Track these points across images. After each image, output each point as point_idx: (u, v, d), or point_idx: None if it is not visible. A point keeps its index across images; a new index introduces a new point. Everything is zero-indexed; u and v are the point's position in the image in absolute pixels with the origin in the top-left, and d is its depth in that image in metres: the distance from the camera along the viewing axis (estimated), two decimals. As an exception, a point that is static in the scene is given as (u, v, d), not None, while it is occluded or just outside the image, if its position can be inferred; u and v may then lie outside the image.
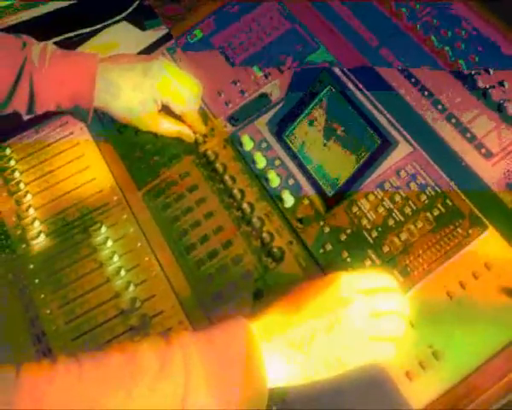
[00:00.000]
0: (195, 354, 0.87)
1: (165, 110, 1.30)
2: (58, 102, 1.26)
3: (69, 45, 1.62)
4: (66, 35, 1.69)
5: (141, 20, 1.70)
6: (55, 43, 1.32)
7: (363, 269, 1.06)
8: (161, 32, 1.63)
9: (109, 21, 1.71)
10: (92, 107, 1.26)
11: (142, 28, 1.68)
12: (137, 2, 1.72)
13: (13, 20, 1.73)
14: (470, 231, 1.04)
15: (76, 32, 1.70)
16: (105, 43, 1.65)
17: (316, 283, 0.99)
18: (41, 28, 1.69)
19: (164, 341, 0.89)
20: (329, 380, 0.95)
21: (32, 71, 1.22)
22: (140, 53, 1.54)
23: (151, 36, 1.63)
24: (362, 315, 0.94)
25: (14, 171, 1.38)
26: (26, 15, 1.74)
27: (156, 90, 1.27)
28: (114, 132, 1.38)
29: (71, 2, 1.74)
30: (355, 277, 0.99)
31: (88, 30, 1.70)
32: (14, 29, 1.69)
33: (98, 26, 1.70)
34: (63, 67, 1.25)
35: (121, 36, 1.67)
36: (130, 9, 1.72)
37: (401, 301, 1.00)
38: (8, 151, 1.42)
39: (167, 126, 1.31)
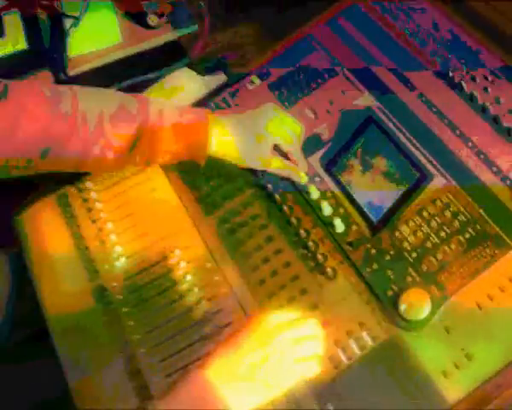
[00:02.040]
0: None
1: (277, 150, 1.37)
2: (174, 158, 1.36)
3: (136, 90, 1.65)
4: (132, 80, 1.76)
5: (201, 66, 1.76)
6: (121, 88, 1.45)
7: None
8: (221, 77, 1.69)
9: (172, 68, 1.77)
10: (205, 159, 1.34)
11: (202, 74, 1.73)
12: (196, 52, 1.79)
13: (83, 68, 1.80)
14: (496, 251, 1.15)
15: (143, 77, 1.77)
16: (171, 86, 1.71)
17: (249, 324, 1.11)
18: (110, 74, 1.79)
19: None
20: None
21: (149, 129, 1.29)
22: (202, 97, 1.62)
23: (211, 81, 1.69)
24: (287, 342, 1.08)
25: (95, 202, 1.45)
26: (97, 63, 1.81)
27: (268, 130, 1.33)
28: (183, 169, 1.45)
29: (139, 51, 1.84)
30: (277, 315, 1.12)
31: (152, 75, 1.76)
32: (86, 76, 1.78)
33: (162, 73, 1.76)
34: (180, 125, 1.31)
35: (184, 81, 1.72)
36: (189, 58, 1.79)
37: (314, 328, 1.13)
38: (89, 184, 1.49)
39: (279, 166, 1.36)
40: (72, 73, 1.79)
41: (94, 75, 1.78)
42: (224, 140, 1.33)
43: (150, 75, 1.77)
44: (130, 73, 1.77)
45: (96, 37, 1.84)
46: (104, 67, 1.82)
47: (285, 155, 1.37)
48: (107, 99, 1.30)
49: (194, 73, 1.75)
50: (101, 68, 1.81)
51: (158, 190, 1.46)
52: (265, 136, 1.33)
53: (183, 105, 1.42)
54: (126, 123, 1.28)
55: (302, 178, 1.35)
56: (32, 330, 1.52)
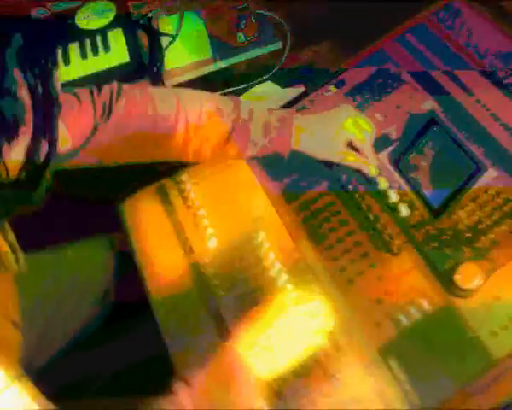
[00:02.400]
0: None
1: (350, 145, 1.48)
2: (263, 153, 1.49)
3: None
4: (226, 90, 1.91)
5: (282, 79, 1.93)
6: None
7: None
8: (300, 89, 1.81)
9: (258, 80, 1.93)
10: (288, 153, 1.47)
11: (282, 86, 1.89)
12: (280, 65, 1.96)
13: (177, 80, 1.98)
14: None
15: (232, 89, 1.92)
16: (257, 96, 1.87)
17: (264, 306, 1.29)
18: (203, 85, 1.92)
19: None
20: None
21: (243, 125, 1.44)
22: (282, 106, 1.74)
23: (291, 92, 1.83)
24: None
25: (190, 192, 1.58)
26: (190, 75, 2.00)
27: (343, 127, 1.45)
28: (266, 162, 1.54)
29: (228, 65, 2.01)
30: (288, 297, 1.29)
31: (240, 87, 1.92)
32: (181, 87, 1.93)
33: (249, 84, 1.92)
34: (268, 121, 1.46)
35: (268, 92, 1.88)
36: (273, 72, 1.95)
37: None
38: (185, 176, 1.61)
39: (353, 160, 1.47)
40: (167, 83, 1.96)
41: (187, 87, 1.90)
42: (306, 136, 1.46)
43: (239, 87, 1.93)
44: (220, 85, 1.91)
45: (189, 52, 2.01)
46: (197, 80, 1.97)
47: (357, 151, 1.48)
48: (206, 99, 1.46)
49: (277, 86, 1.90)
50: (193, 81, 1.97)
51: (243, 182, 1.58)
52: (341, 132, 1.45)
53: (271, 108, 1.55)
54: (223, 120, 1.43)
55: (371, 170, 1.45)
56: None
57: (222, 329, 1.34)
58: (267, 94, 1.86)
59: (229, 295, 1.37)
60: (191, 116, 1.42)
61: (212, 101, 1.46)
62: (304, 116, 1.50)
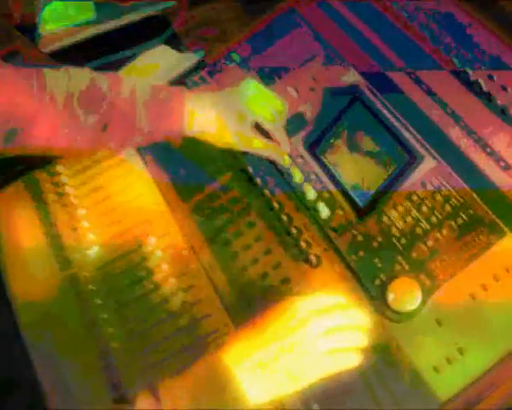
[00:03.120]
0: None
1: (258, 129, 1.32)
2: (150, 140, 1.32)
3: (111, 67, 1.62)
4: (108, 58, 1.74)
5: (178, 42, 1.74)
6: (96, 66, 1.37)
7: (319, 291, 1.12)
8: (199, 54, 1.65)
9: (148, 44, 1.74)
10: (180, 138, 1.31)
11: (180, 50, 1.71)
12: (173, 27, 1.77)
13: (55, 46, 1.77)
14: (490, 237, 1.10)
15: (118, 55, 1.74)
16: (146, 64, 1.68)
17: (276, 308, 1.04)
18: (83, 52, 1.76)
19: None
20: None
21: (121, 111, 1.25)
22: (181, 76, 1.58)
23: (189, 58, 1.65)
24: (317, 333, 1.00)
25: (65, 186, 1.41)
26: (67, 41, 1.78)
27: (248, 108, 1.29)
28: (161, 153, 1.42)
29: (110, 28, 1.80)
30: (309, 299, 1.05)
31: (128, 53, 1.74)
32: (57, 54, 1.76)
33: (137, 49, 1.73)
34: (153, 103, 1.27)
35: (160, 58, 1.69)
36: (166, 33, 1.77)
37: (353, 315, 1.06)
38: (60, 168, 1.44)
39: (260, 145, 1.32)
40: (43, 51, 1.76)
41: (66, 54, 1.75)
42: (201, 119, 1.29)
43: (126, 53, 1.75)
44: (104, 51, 1.76)
45: (68, 13, 1.82)
46: (77, 46, 1.79)
47: (267, 135, 1.32)
48: (77, 78, 1.25)
49: (171, 50, 1.72)
50: (73, 47, 1.79)
51: (133, 174, 1.43)
52: (246, 114, 1.29)
53: (157, 83, 1.36)
54: (96, 102, 1.23)
55: (285, 159, 1.32)
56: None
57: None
58: (159, 61, 1.67)
59: (117, 322, 1.23)
60: (58, 98, 1.20)
61: (84, 79, 1.24)
62: (199, 95, 1.31)
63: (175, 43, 1.75)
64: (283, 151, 1.32)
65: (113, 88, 1.24)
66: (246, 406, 0.96)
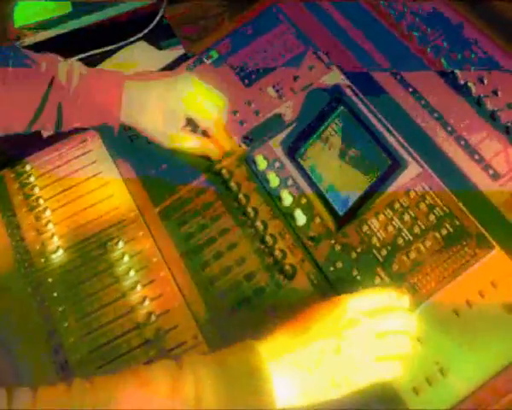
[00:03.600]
0: (206, 378, 0.88)
1: (192, 126, 1.32)
2: (85, 120, 1.29)
3: (88, 64, 1.59)
4: (86, 54, 1.72)
5: (158, 39, 1.73)
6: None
7: (370, 289, 1.06)
8: (178, 51, 1.64)
9: (127, 41, 1.73)
10: (118, 123, 1.28)
11: (160, 48, 1.71)
12: (155, 22, 1.73)
13: (31, 40, 1.76)
14: (477, 251, 1.05)
15: (95, 51, 1.72)
16: (123, 62, 1.68)
17: (323, 305, 0.99)
18: (60, 47, 1.63)
19: (176, 364, 0.90)
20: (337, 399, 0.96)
21: (59, 90, 1.24)
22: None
23: (168, 55, 1.65)
24: (368, 336, 0.96)
25: (33, 187, 1.39)
26: (45, 35, 1.77)
27: (182, 104, 1.28)
28: (126, 141, 1.40)
29: (89, 23, 1.78)
30: (361, 298, 1.00)
31: (106, 49, 1.73)
32: (34, 48, 1.66)
33: (116, 46, 1.73)
34: (90, 85, 1.27)
35: (139, 55, 1.69)
36: (147, 29, 1.74)
37: (407, 319, 1.01)
38: (28, 167, 1.43)
39: (193, 143, 1.31)
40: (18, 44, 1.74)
41: (41, 48, 1.61)
42: (135, 107, 1.28)
43: (105, 49, 1.74)
44: (83, 47, 1.74)
45: (44, 5, 1.80)
46: (52, 40, 1.78)
47: (206, 134, 1.33)
48: (12, 57, 1.27)
49: (151, 47, 1.72)
50: (48, 41, 1.77)
51: (103, 176, 1.40)
52: (177, 109, 1.29)
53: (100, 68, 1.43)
54: (33, 81, 1.25)
55: (214, 152, 1.32)
56: None
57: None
58: (138, 58, 1.69)
59: (79, 334, 1.18)
60: None
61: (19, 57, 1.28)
62: (137, 81, 1.30)
63: (155, 39, 1.74)
64: (225, 148, 1.32)
65: (50, 69, 1.26)
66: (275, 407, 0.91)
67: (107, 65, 1.68)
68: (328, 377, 0.94)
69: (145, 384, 0.87)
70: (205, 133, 1.32)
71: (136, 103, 1.27)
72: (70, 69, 1.26)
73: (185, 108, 1.28)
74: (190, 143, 1.31)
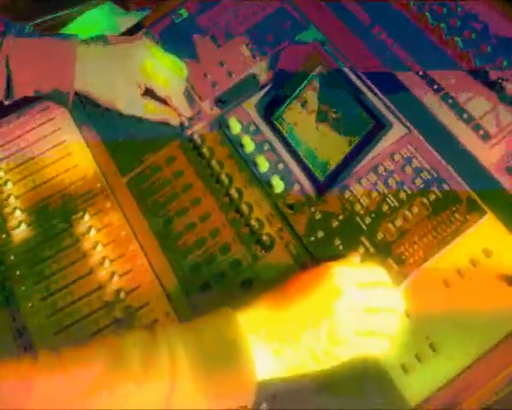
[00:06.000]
0: (182, 347, 0.86)
1: (150, 93, 1.30)
2: (36, 86, 1.26)
3: (53, 27, 1.64)
4: (48, 16, 1.68)
5: (126, 0, 1.70)
6: (37, 25, 1.36)
7: (357, 262, 1.03)
8: (145, 12, 1.59)
9: (93, 2, 1.70)
10: (72, 90, 1.26)
11: (127, 8, 1.68)
12: None
13: None
14: (468, 217, 1.02)
15: (59, 14, 1.69)
16: (88, 24, 1.65)
17: (307, 273, 0.96)
18: (21, 10, 1.72)
19: (149, 335, 0.87)
20: (320, 374, 0.93)
21: (8, 54, 1.22)
22: (124, 34, 1.52)
23: (135, 16, 1.60)
24: (355, 308, 0.92)
25: None
26: None
27: (138, 72, 1.27)
28: (97, 116, 1.36)
29: None
30: (350, 269, 0.97)
31: (69, 12, 1.70)
32: None
33: (81, 7, 1.69)
34: (41, 49, 1.25)
35: (105, 17, 1.67)
36: None
37: (396, 297, 0.98)
38: None
39: (151, 110, 1.30)
40: None
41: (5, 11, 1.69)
42: (89, 74, 1.27)
43: (70, 10, 1.72)
44: (47, 8, 1.70)
45: None
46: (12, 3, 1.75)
47: (162, 100, 1.32)
48: None
49: (118, 8, 1.71)
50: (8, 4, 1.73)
51: (68, 145, 1.36)
52: (134, 77, 1.28)
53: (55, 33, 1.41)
54: None
55: (173, 119, 1.31)
56: None
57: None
58: (99, 22, 1.68)
59: (43, 315, 1.14)
60: None
61: None
62: (92, 47, 1.29)
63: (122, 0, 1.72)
64: (183, 116, 1.31)
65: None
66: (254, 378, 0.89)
67: (72, 27, 1.66)
68: (308, 351, 0.91)
69: (116, 358, 0.84)
70: (164, 101, 1.31)
71: (90, 70, 1.26)
72: (20, 34, 1.25)
73: (143, 76, 1.27)
74: (148, 110, 1.31)
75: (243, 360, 0.88)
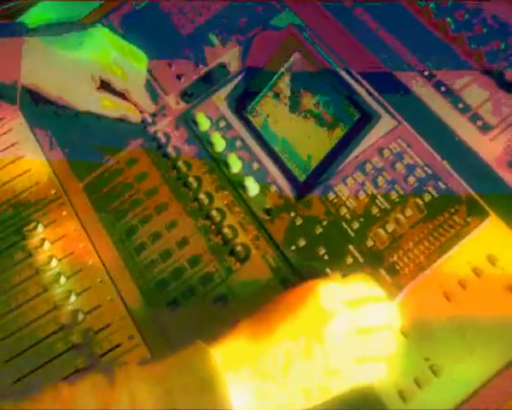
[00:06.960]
0: (144, 398, 0.77)
1: (107, 87, 1.25)
2: None
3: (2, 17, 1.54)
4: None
5: None
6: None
7: (344, 274, 0.96)
8: None
9: None
10: (19, 86, 1.20)
11: None
12: None
13: None
14: (468, 219, 0.97)
15: (9, 5, 1.58)
16: (43, 13, 1.55)
17: (290, 293, 0.89)
18: None
19: (106, 381, 0.78)
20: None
21: None
22: (81, 20, 1.46)
23: (93, 4, 1.51)
24: (347, 332, 0.85)
25: None
26: None
27: (93, 63, 1.22)
28: (51, 115, 1.30)
29: None
30: (337, 285, 0.90)
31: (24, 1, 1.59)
32: None
33: None
34: None
35: (60, 5, 1.55)
36: None
37: (390, 313, 0.93)
38: None
39: (109, 106, 1.25)
40: None
41: None
42: (37, 67, 1.22)
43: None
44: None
45: None
46: None
47: (121, 94, 1.29)
48: None
49: None
50: None
51: (20, 148, 1.31)
52: (88, 69, 1.23)
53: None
54: None
55: (133, 116, 1.27)
56: None
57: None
58: (60, 7, 1.54)
59: None
60: None
61: None
62: (41, 37, 1.24)
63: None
64: (142, 112, 1.27)
65: None
66: None
67: (26, 18, 1.55)
68: (297, 386, 0.84)
69: None
70: (123, 95, 1.27)
71: (38, 63, 1.21)
72: None
73: (98, 67, 1.22)
74: (105, 105, 1.26)
75: (219, 405, 0.79)
